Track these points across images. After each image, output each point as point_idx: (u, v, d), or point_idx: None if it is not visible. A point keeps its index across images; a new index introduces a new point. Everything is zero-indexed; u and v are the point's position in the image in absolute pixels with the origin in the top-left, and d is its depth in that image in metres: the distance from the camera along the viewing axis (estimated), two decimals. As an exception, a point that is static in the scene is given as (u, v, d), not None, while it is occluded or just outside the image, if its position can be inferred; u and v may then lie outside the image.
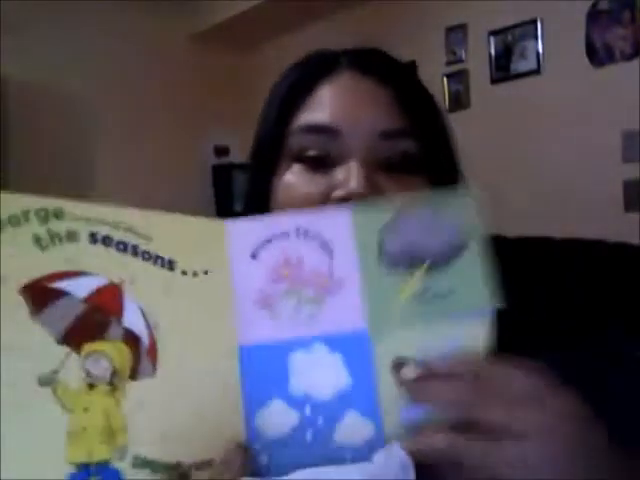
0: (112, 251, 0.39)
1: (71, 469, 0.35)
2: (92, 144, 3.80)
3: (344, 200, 0.49)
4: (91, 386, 0.37)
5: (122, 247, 0.39)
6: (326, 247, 0.41)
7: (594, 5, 2.71)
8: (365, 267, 0.41)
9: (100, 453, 0.36)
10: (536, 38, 2.92)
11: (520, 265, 2.55)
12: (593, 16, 2.71)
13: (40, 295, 0.37)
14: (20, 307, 0.37)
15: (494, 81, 3.11)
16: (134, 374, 0.39)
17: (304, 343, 0.39)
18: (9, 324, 0.36)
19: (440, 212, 0.42)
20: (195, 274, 0.40)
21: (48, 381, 0.36)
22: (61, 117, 3.66)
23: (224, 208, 3.91)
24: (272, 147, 0.56)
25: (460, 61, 3.24)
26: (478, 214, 0.42)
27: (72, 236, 0.38)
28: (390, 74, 0.57)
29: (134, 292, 0.39)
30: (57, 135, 3.64)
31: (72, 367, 0.37)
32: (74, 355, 0.37)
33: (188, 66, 4.11)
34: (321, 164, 0.53)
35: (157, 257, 0.40)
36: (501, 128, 3.05)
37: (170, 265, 0.40)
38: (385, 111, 0.54)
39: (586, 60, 2.74)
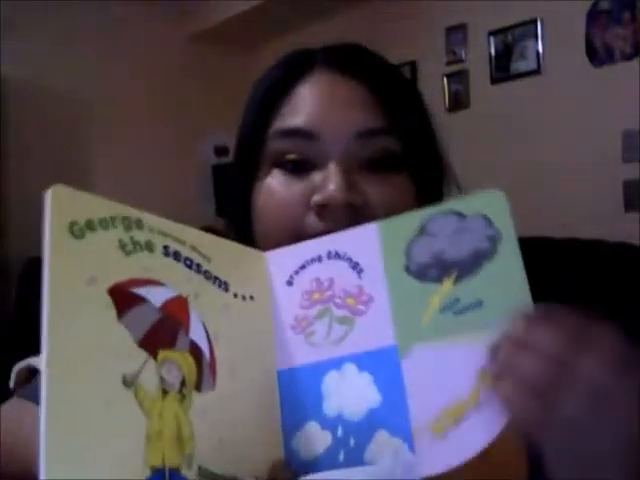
0: (180, 265, 0.41)
1: (148, 473, 0.35)
2: (92, 144, 3.80)
3: (323, 205, 0.50)
4: (165, 392, 0.38)
5: (189, 263, 0.41)
6: (356, 267, 0.42)
7: (594, 5, 2.71)
8: (393, 282, 0.41)
9: (172, 459, 0.36)
10: (536, 38, 2.92)
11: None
12: (593, 16, 2.71)
13: (122, 299, 0.38)
14: (109, 308, 0.37)
15: (494, 81, 3.11)
16: (198, 386, 0.39)
17: (335, 364, 0.40)
18: (100, 323, 0.37)
19: (468, 216, 0.41)
20: (244, 298, 0.43)
21: (131, 382, 0.36)
22: (61, 117, 3.66)
23: (224, 208, 3.91)
24: (252, 151, 0.56)
25: (460, 61, 3.24)
26: (510, 214, 0.40)
27: (149, 246, 0.40)
28: (366, 71, 0.56)
29: (197, 307, 0.40)
30: (57, 135, 3.64)
31: (150, 372, 0.37)
32: (151, 360, 0.38)
33: (188, 66, 4.11)
34: (300, 168, 0.53)
35: (215, 278, 0.42)
36: (501, 128, 3.05)
37: (225, 287, 0.42)
38: (362, 110, 0.53)
39: (586, 60, 2.74)
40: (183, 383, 0.39)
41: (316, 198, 0.51)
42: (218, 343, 0.41)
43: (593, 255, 2.39)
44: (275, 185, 0.53)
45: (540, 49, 2.92)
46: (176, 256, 0.41)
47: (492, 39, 3.09)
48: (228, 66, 4.12)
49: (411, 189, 0.54)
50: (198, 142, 4.15)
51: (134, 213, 0.40)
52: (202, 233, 0.43)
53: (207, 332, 0.41)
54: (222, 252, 0.43)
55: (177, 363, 0.39)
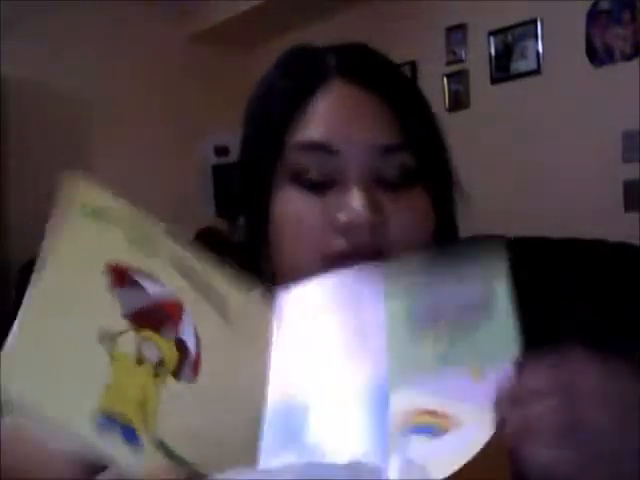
0: (183, 281, 0.43)
1: (99, 417, 0.36)
2: (92, 144, 3.80)
3: (346, 224, 0.49)
4: (140, 362, 0.39)
5: (190, 278, 0.43)
6: (358, 316, 0.44)
7: (594, 5, 2.71)
8: (393, 330, 0.42)
9: (130, 417, 0.37)
10: (536, 38, 2.92)
11: (520, 265, 2.54)
12: (593, 16, 2.71)
13: (119, 276, 0.40)
14: (102, 275, 0.40)
15: (494, 81, 3.11)
16: (176, 374, 0.41)
17: (324, 401, 0.41)
18: (88, 282, 0.39)
19: (469, 271, 0.42)
20: (242, 333, 0.44)
21: (107, 340, 0.38)
22: (60, 117, 3.66)
23: (224, 208, 3.91)
24: (267, 160, 0.54)
25: (460, 61, 3.24)
26: (507, 276, 0.41)
27: (156, 252, 0.43)
28: (382, 82, 0.55)
29: (193, 314, 0.42)
30: (57, 135, 3.64)
31: (129, 339, 0.39)
32: (133, 333, 0.40)
33: (188, 66, 4.11)
34: (320, 184, 0.52)
35: (214, 300, 0.44)
36: (501, 128, 3.05)
37: (225, 315, 0.44)
38: (381, 125, 0.53)
39: (586, 60, 2.74)
40: (161, 364, 0.40)
41: (342, 218, 0.50)
42: (207, 352, 0.42)
43: (593, 255, 2.39)
44: (297, 203, 0.52)
45: (540, 49, 2.92)
46: (180, 268, 0.43)
47: (492, 39, 3.09)
48: (228, 66, 4.12)
49: (427, 202, 0.54)
50: (198, 142, 4.15)
51: (150, 228, 0.43)
52: (218, 270, 0.46)
53: (197, 338, 0.42)
54: (227, 284, 0.45)
55: (157, 345, 0.40)
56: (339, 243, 0.50)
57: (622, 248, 2.36)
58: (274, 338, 0.45)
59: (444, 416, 0.37)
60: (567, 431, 0.34)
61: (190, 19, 4.11)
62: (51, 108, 3.61)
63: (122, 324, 0.40)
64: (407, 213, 0.52)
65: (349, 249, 0.50)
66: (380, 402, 0.40)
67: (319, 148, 0.52)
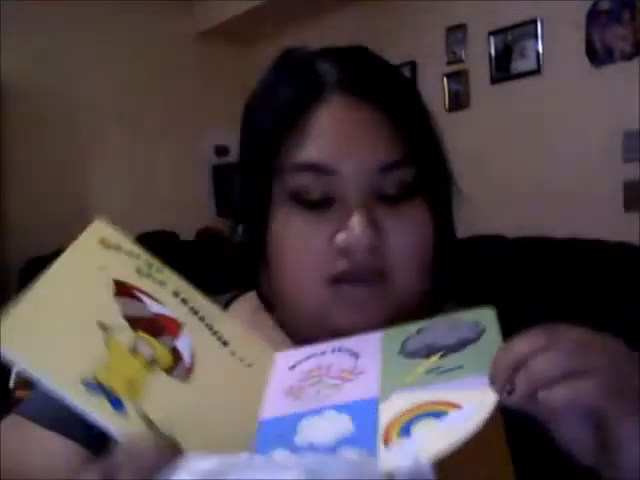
0: (185, 309, 0.46)
1: (92, 382, 0.39)
2: (92, 144, 3.80)
3: (346, 247, 0.50)
4: (133, 353, 0.41)
5: (194, 311, 0.46)
6: (355, 355, 0.46)
7: (594, 5, 2.71)
8: (387, 361, 0.44)
9: (118, 391, 0.39)
10: (536, 38, 2.92)
11: (520, 265, 2.55)
12: (593, 16, 2.72)
13: (124, 289, 0.44)
14: (109, 286, 0.43)
15: (494, 81, 3.11)
16: (168, 373, 0.42)
17: (316, 411, 0.42)
18: (94, 285, 0.43)
19: (460, 321, 0.45)
20: (242, 360, 0.46)
21: (106, 328, 0.41)
22: (60, 117, 3.66)
23: (224, 208, 3.91)
24: (264, 183, 0.53)
25: (460, 61, 3.25)
26: (497, 321, 0.43)
27: (162, 284, 0.46)
28: (381, 93, 0.53)
29: (191, 334, 0.45)
30: (57, 135, 3.65)
31: (126, 334, 0.42)
32: (131, 331, 0.42)
33: (188, 66, 4.11)
34: (319, 203, 0.51)
35: (216, 332, 0.46)
36: (501, 128, 3.06)
37: (225, 343, 0.46)
38: (381, 142, 0.51)
39: (586, 60, 2.75)
40: (154, 362, 0.42)
41: (341, 242, 0.50)
42: (202, 366, 0.44)
43: (593, 255, 2.39)
44: (297, 224, 0.52)
45: (540, 49, 2.92)
46: (184, 301, 0.46)
47: (492, 39, 3.09)
48: (229, 66, 4.12)
49: (426, 212, 0.53)
50: (198, 142, 4.16)
51: (156, 262, 0.46)
52: (225, 313, 0.49)
53: (193, 354, 0.44)
54: (231, 326, 0.48)
55: (152, 345, 0.42)
56: (341, 264, 0.50)
57: (622, 248, 2.37)
58: (272, 373, 0.47)
59: (444, 403, 0.38)
60: (574, 371, 0.36)
61: (191, 19, 4.12)
62: (50, 107, 3.61)
63: (121, 322, 0.42)
64: (407, 226, 0.52)
65: (351, 269, 0.50)
66: (370, 410, 0.40)
67: (317, 169, 0.51)
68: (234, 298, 0.59)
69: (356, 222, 0.49)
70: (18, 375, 1.69)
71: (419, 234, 0.52)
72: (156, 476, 0.35)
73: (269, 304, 0.56)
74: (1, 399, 1.81)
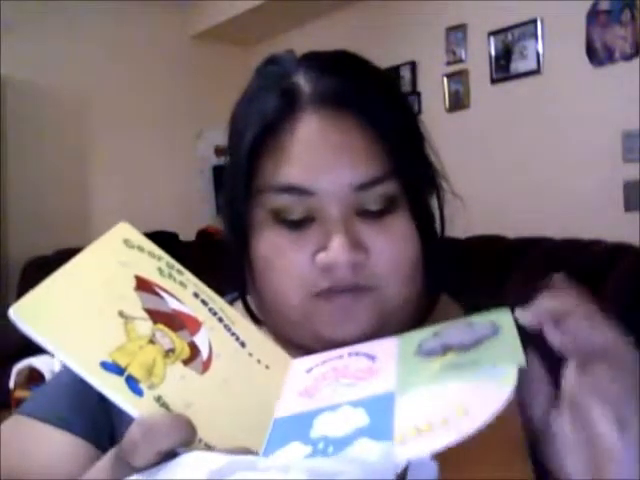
0: (205, 309, 0.47)
1: (109, 361, 0.40)
2: (91, 144, 3.80)
3: (327, 267, 0.50)
4: (152, 342, 0.42)
5: (213, 312, 0.47)
6: (372, 358, 0.46)
7: (594, 5, 2.71)
8: (403, 361, 0.45)
9: (136, 372, 0.40)
10: (536, 38, 2.92)
11: (520, 265, 2.55)
12: (593, 16, 2.72)
13: (145, 285, 0.45)
14: (131, 280, 0.44)
15: (494, 81, 3.11)
16: (186, 364, 0.43)
17: (332, 408, 0.42)
18: (115, 277, 0.44)
19: (477, 322, 0.45)
20: (259, 362, 0.47)
21: (125, 317, 0.42)
22: (60, 117, 3.66)
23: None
24: (245, 199, 0.53)
25: (460, 61, 3.25)
26: (514, 322, 0.43)
27: (183, 285, 0.47)
28: (360, 105, 0.51)
29: (210, 332, 0.46)
30: (57, 135, 3.65)
31: (145, 324, 0.43)
32: (150, 322, 0.43)
33: (188, 66, 4.11)
34: (300, 221, 0.51)
35: (234, 333, 0.47)
36: (501, 128, 3.06)
37: (242, 344, 0.47)
38: (359, 158, 0.50)
39: (586, 60, 2.75)
40: (172, 352, 0.43)
41: (321, 262, 0.50)
42: (220, 362, 0.44)
43: (593, 255, 2.39)
44: (279, 243, 0.51)
45: (540, 49, 2.92)
46: (204, 301, 0.47)
47: (492, 39, 3.09)
48: (228, 66, 4.12)
49: (410, 226, 0.52)
50: (198, 142, 4.16)
51: (177, 265, 0.48)
52: (244, 320, 0.49)
53: (211, 350, 0.44)
54: (248, 328, 0.49)
55: (171, 338, 0.43)
56: (324, 282, 0.50)
57: (622, 248, 2.37)
58: (289, 375, 0.47)
59: (457, 400, 0.38)
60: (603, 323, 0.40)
61: (190, 19, 4.12)
62: (50, 107, 3.62)
63: (141, 313, 0.43)
64: (390, 240, 0.51)
65: (333, 286, 0.50)
66: (386, 404, 0.40)
67: (295, 190, 0.50)
68: (235, 300, 0.59)
69: (336, 242, 0.49)
70: (18, 376, 1.69)
71: (403, 246, 0.52)
72: (170, 454, 0.36)
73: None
74: (1, 399, 1.82)
